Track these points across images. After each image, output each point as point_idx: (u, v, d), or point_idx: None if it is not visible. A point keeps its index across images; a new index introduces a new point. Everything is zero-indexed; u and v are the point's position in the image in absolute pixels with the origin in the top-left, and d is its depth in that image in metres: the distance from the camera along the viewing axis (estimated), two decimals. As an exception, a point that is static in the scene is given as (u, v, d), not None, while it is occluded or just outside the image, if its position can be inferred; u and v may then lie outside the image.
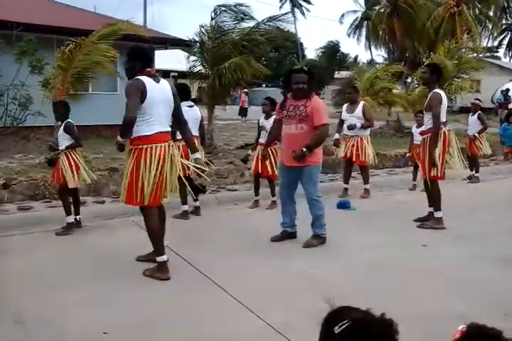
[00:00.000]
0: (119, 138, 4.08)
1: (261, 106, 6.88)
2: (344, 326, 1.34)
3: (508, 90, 19.93)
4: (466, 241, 5.28)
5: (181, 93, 6.29)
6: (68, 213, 5.41)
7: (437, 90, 5.66)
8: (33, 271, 4.29)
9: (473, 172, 9.13)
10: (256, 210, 6.69)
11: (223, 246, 5.03)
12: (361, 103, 7.65)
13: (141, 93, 3.96)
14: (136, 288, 3.94)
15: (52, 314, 3.43)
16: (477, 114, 9.23)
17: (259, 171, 6.62)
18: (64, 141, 5.49)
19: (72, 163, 5.42)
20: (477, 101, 9.42)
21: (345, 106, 7.71)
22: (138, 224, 5.32)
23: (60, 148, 5.49)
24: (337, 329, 1.34)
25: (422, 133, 5.94)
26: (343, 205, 6.86)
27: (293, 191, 5.28)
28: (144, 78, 4.04)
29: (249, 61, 9.53)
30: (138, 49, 4.36)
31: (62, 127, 5.51)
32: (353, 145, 7.43)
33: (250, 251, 4.87)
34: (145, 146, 4.00)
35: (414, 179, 7.96)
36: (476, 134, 9.07)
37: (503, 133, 10.43)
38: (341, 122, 7.62)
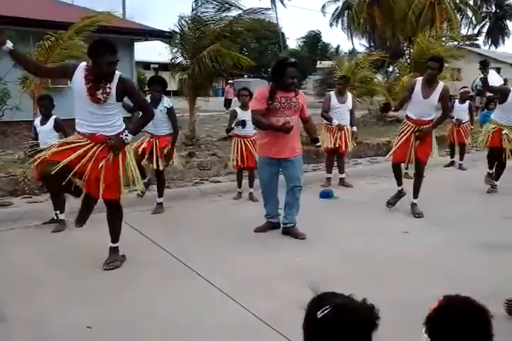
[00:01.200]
0: (131, 137, 4.03)
1: (238, 96, 6.78)
2: (326, 311, 1.36)
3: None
4: (447, 228, 5.35)
5: (163, 85, 6.13)
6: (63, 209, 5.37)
7: (441, 82, 5.81)
8: (16, 267, 4.23)
9: (458, 160, 9.24)
10: (239, 202, 6.68)
11: (207, 238, 5.01)
12: (349, 94, 7.69)
13: None
14: (120, 281, 3.91)
15: (34, 311, 3.39)
16: (467, 103, 9.13)
17: (241, 164, 6.59)
18: (53, 138, 5.22)
19: None
20: (467, 89, 9.30)
21: (333, 95, 7.54)
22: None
23: (46, 146, 5.06)
24: (319, 314, 1.38)
25: (421, 123, 5.78)
26: (326, 195, 6.89)
27: (276, 183, 5.30)
28: None
29: (228, 47, 9.43)
30: (112, 42, 4.06)
31: (51, 123, 5.29)
32: (340, 137, 7.46)
33: (235, 242, 4.86)
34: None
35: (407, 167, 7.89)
36: (465, 124, 9.07)
37: (483, 121, 10.48)
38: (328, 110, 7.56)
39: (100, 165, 3.93)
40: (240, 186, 6.83)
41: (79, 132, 4.02)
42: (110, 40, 3.95)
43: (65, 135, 5.25)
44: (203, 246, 4.75)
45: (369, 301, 1.47)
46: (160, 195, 6.09)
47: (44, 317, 3.29)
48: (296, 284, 3.80)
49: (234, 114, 6.67)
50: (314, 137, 5.33)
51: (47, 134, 5.32)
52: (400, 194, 6.09)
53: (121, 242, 4.36)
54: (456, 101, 9.24)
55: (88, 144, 3.96)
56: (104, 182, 3.97)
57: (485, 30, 44.61)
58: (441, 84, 5.67)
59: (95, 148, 3.96)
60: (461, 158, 9.31)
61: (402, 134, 5.88)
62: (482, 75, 6.50)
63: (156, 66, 30.70)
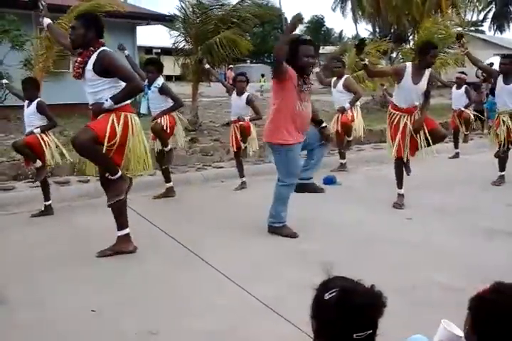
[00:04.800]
0: (109, 103, 3.85)
1: (234, 81, 6.64)
2: (333, 294, 1.38)
3: (492, 64, 19.95)
4: (451, 215, 5.35)
5: (156, 66, 5.87)
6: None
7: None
8: (18, 250, 4.26)
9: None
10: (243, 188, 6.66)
11: (210, 223, 5.02)
12: (344, 77, 7.59)
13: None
14: (124, 266, 3.93)
15: (38, 294, 3.41)
16: (464, 87, 9.09)
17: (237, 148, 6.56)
18: (36, 121, 5.24)
19: (51, 143, 5.28)
20: (462, 75, 9.24)
21: (333, 80, 7.65)
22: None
23: (31, 128, 5.22)
24: (327, 296, 1.40)
25: (412, 111, 5.57)
26: (330, 181, 6.87)
27: None
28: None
29: (237, 33, 9.40)
30: (95, 17, 4.18)
31: (34, 106, 5.23)
32: (338, 121, 7.51)
33: (237, 228, 4.87)
34: (129, 114, 4.00)
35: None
36: (463, 108, 9.05)
37: (489, 107, 10.39)
38: None
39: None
40: (241, 176, 6.61)
41: None
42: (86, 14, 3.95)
43: (49, 118, 5.27)
44: (206, 231, 4.76)
45: (369, 286, 1.48)
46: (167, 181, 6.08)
47: (46, 301, 3.32)
48: (298, 269, 3.82)
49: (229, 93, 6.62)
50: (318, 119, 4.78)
51: (29, 116, 5.29)
52: (402, 198, 5.78)
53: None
54: (454, 87, 9.27)
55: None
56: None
57: (490, 15, 44.14)
58: (428, 70, 5.47)
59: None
60: (466, 130, 9.41)
61: (398, 127, 5.53)
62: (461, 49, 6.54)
63: (159, 51, 30.52)
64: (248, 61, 34.05)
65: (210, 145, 8.26)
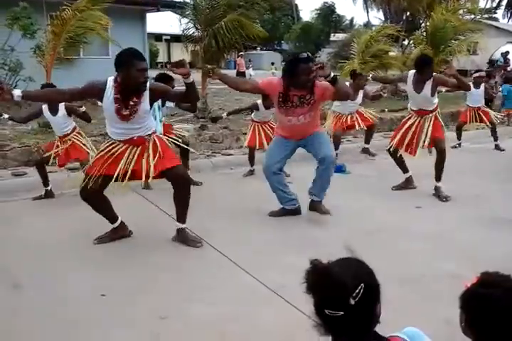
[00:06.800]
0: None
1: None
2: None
3: (507, 53, 19.64)
4: (459, 204, 5.34)
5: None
6: None
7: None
8: (30, 235, 4.31)
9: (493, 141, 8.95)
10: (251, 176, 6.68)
11: (220, 211, 5.05)
12: (364, 88, 7.53)
13: None
14: (133, 252, 3.97)
15: (50, 279, 3.46)
16: (483, 87, 8.70)
17: (256, 145, 6.50)
18: (70, 125, 5.47)
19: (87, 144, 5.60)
20: (482, 74, 8.87)
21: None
22: (134, 190, 5.34)
23: (63, 133, 5.42)
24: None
25: (424, 113, 5.67)
26: (339, 169, 6.84)
27: (279, 167, 4.88)
28: None
29: (247, 16, 9.27)
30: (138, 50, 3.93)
31: (63, 111, 5.31)
32: (351, 117, 7.50)
33: (246, 215, 4.90)
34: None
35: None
36: (482, 106, 8.76)
37: (506, 94, 10.14)
38: None
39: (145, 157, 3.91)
40: (252, 164, 6.68)
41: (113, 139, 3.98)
42: (135, 49, 3.81)
43: (78, 116, 5.50)
44: (216, 218, 4.79)
45: (380, 275, 1.47)
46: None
47: (59, 285, 3.36)
48: (307, 256, 3.83)
49: (255, 107, 6.52)
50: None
51: (62, 123, 5.40)
52: (408, 184, 5.96)
53: (132, 213, 4.41)
54: (471, 85, 8.86)
55: (123, 147, 3.95)
56: (159, 158, 3.88)
57: (504, 2, 43.38)
58: (431, 79, 5.37)
59: (131, 148, 3.94)
60: (495, 139, 8.87)
61: (405, 124, 5.80)
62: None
63: (168, 37, 30.41)
64: (258, 48, 33.87)
65: (219, 133, 8.26)
